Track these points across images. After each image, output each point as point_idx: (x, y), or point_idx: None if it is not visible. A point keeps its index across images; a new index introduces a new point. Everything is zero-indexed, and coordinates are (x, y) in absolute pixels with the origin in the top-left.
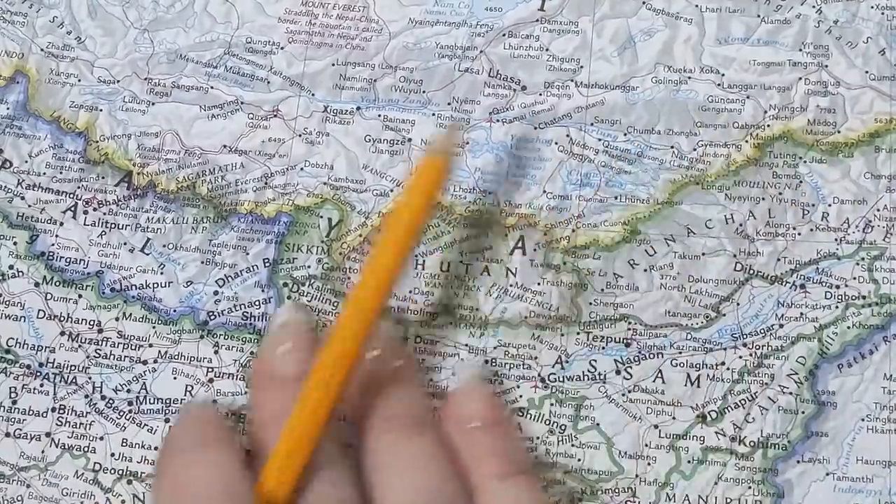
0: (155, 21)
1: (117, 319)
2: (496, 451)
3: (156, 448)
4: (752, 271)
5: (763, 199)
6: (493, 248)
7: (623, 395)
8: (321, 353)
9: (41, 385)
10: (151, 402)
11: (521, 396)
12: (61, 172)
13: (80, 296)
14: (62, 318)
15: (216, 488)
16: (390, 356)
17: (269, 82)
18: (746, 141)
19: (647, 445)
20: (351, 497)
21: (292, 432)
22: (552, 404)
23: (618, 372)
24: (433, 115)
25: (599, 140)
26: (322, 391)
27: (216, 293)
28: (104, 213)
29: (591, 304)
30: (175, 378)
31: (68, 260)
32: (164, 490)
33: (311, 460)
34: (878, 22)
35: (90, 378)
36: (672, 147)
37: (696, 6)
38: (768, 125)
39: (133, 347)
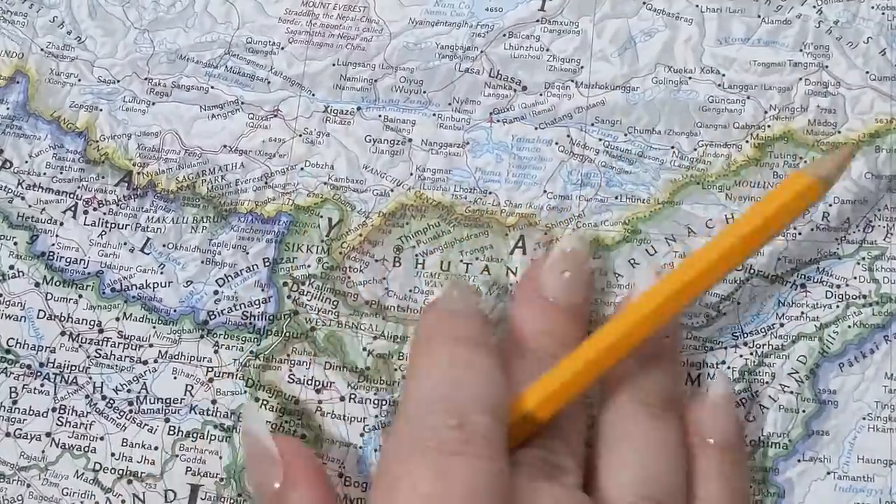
0: (155, 21)
1: (117, 319)
2: (723, 473)
3: (156, 448)
4: (752, 270)
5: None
6: (493, 247)
7: None
8: (633, 304)
9: (41, 385)
10: (152, 401)
11: None
12: (61, 172)
13: (80, 296)
14: (62, 318)
15: (478, 393)
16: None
17: (269, 82)
18: (747, 141)
19: None
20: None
21: (574, 366)
22: None
23: None
24: (433, 115)
25: (600, 140)
26: (620, 337)
27: (216, 293)
28: (104, 213)
29: (591, 302)
30: (175, 378)
31: (68, 260)
32: (421, 379)
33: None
34: (879, 22)
35: (90, 378)
36: (672, 147)
37: (697, 6)
38: (769, 125)
39: (133, 347)
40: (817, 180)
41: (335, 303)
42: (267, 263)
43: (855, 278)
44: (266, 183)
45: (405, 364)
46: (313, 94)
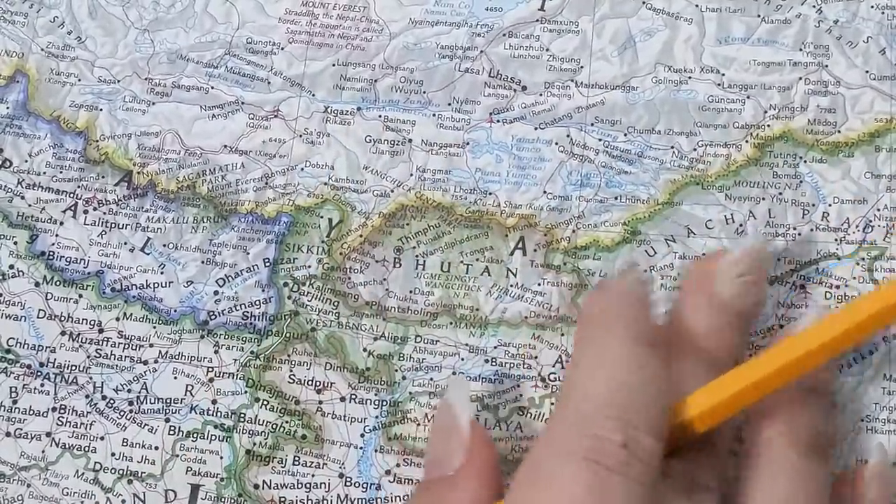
0: (155, 21)
1: (118, 319)
2: None
3: (156, 448)
4: None
5: (763, 199)
6: (493, 248)
7: None
8: (811, 330)
9: (42, 385)
10: (152, 401)
11: (521, 396)
12: (61, 172)
13: (80, 296)
14: (62, 318)
15: (647, 406)
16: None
17: (269, 83)
18: (746, 141)
19: None
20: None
21: (741, 382)
22: (553, 404)
23: None
24: (433, 115)
25: (600, 140)
26: (792, 362)
27: (216, 293)
28: (104, 213)
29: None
30: (175, 378)
31: (68, 260)
32: (589, 375)
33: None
34: (879, 21)
35: (91, 378)
36: (672, 147)
37: (696, 6)
38: (768, 125)
39: (133, 347)
40: None
41: (336, 303)
42: (267, 264)
43: (854, 279)
44: (266, 183)
45: (405, 365)
46: (313, 95)
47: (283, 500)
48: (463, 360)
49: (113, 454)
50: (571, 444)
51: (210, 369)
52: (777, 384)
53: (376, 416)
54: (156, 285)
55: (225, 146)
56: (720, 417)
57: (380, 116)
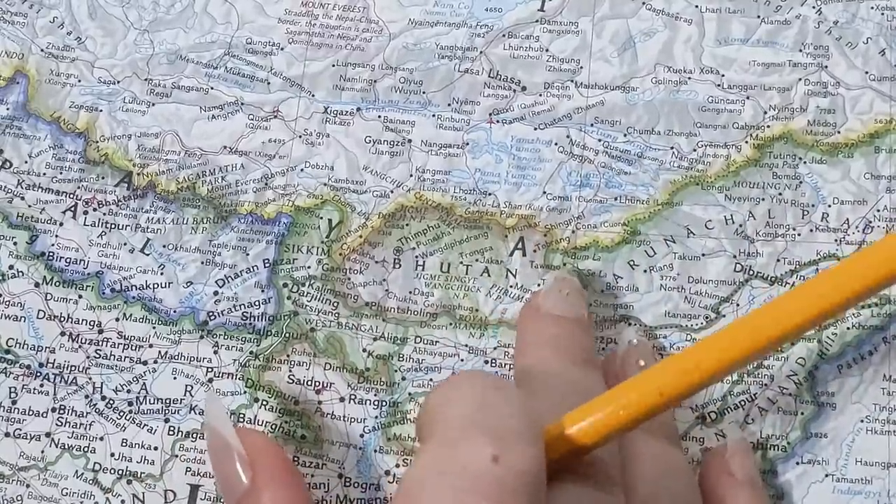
0: (155, 21)
1: (117, 320)
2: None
3: (155, 448)
4: (751, 272)
5: (763, 199)
6: (492, 249)
7: None
8: (700, 348)
9: (41, 385)
10: (151, 402)
11: None
12: (61, 173)
13: (80, 296)
14: (62, 319)
15: (512, 405)
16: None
17: (269, 83)
18: (746, 141)
19: None
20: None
21: (628, 399)
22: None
23: None
24: (433, 115)
25: (599, 141)
26: (685, 378)
27: (216, 293)
28: (104, 214)
29: (591, 305)
30: (175, 378)
31: (68, 260)
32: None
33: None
34: (878, 22)
35: (90, 378)
36: (672, 148)
37: (696, 7)
38: (768, 126)
39: (133, 348)
40: None
41: (335, 304)
42: (267, 264)
43: None
44: (266, 184)
45: (405, 365)
46: (313, 95)
47: None
48: (462, 360)
49: (112, 454)
50: (441, 471)
51: (209, 369)
52: (648, 411)
53: (376, 417)
54: (155, 286)
55: (225, 147)
56: (597, 435)
57: (379, 117)
